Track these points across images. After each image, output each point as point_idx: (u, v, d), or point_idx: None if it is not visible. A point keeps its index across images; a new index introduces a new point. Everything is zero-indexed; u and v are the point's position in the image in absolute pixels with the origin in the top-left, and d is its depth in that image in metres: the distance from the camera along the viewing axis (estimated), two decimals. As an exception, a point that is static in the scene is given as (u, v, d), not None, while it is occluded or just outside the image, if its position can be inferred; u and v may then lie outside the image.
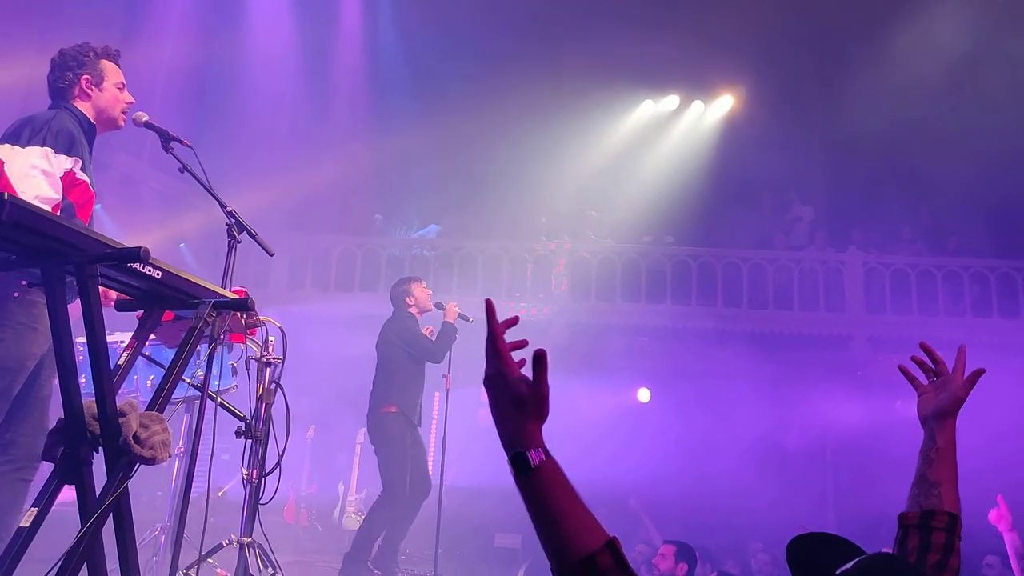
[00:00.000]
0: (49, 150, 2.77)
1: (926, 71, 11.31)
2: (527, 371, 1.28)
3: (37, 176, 2.72)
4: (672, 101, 13.72)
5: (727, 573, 5.80)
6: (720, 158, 12.80)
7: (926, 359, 1.84)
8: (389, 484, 5.13)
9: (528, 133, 12.17)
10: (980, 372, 1.73)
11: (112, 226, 8.26)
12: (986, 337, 10.30)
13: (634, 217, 11.84)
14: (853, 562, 1.26)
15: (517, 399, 1.23)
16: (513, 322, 1.35)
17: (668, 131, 13.62)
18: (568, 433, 10.61)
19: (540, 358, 1.23)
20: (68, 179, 2.84)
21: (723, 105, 13.70)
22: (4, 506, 2.71)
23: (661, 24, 11.97)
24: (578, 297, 11.12)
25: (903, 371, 1.82)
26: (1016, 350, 9.94)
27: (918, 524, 1.60)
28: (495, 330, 1.28)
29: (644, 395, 11.52)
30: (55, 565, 2.00)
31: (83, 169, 2.91)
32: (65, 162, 2.82)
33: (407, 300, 5.55)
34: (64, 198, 2.83)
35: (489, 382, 1.26)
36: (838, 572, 1.24)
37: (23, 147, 2.75)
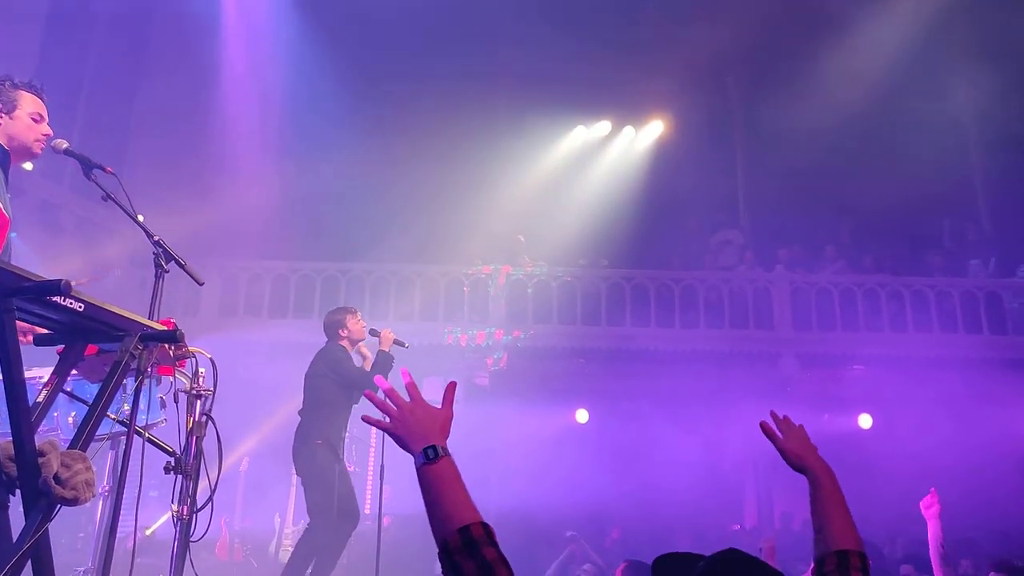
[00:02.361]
0: None
1: (845, 95, 11.81)
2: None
3: None
4: (604, 127, 13.98)
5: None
6: (651, 182, 13.08)
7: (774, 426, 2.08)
8: (315, 515, 5.04)
9: (463, 158, 12.22)
10: (763, 423, 2.05)
11: (30, 254, 7.94)
12: (904, 351, 10.73)
13: (569, 241, 11.97)
14: (701, 563, 1.46)
15: (433, 418, 1.64)
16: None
17: (600, 156, 13.86)
18: (508, 454, 10.63)
19: (450, 387, 1.72)
20: None
21: (653, 130, 14.02)
22: None
23: (593, 51, 12.23)
24: (515, 321, 11.15)
25: (763, 429, 2.07)
26: (932, 363, 10.40)
27: (834, 569, 1.73)
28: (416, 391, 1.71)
29: (582, 416, 11.60)
30: (-31, 616, 1.89)
31: None
32: None
33: (340, 332, 5.46)
34: (-23, 225, 2.72)
35: (402, 415, 1.65)
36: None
37: None
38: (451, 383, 1.73)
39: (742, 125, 13.93)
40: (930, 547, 4.58)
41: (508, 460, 10.42)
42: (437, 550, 1.49)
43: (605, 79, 12.75)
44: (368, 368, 5.39)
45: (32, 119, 3.03)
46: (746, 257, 12.38)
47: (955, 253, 12.38)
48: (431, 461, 1.55)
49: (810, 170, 12.75)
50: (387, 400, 1.68)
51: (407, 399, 1.67)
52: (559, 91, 12.81)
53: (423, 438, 1.59)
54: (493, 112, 13.30)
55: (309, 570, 5.02)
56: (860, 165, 12.23)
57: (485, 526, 1.46)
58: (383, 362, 5.32)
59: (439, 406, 1.69)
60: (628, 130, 14.01)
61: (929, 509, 4.52)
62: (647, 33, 12.53)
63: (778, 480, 11.12)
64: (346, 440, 5.61)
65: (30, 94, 3.05)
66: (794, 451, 1.95)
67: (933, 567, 4.58)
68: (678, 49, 12.39)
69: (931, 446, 9.90)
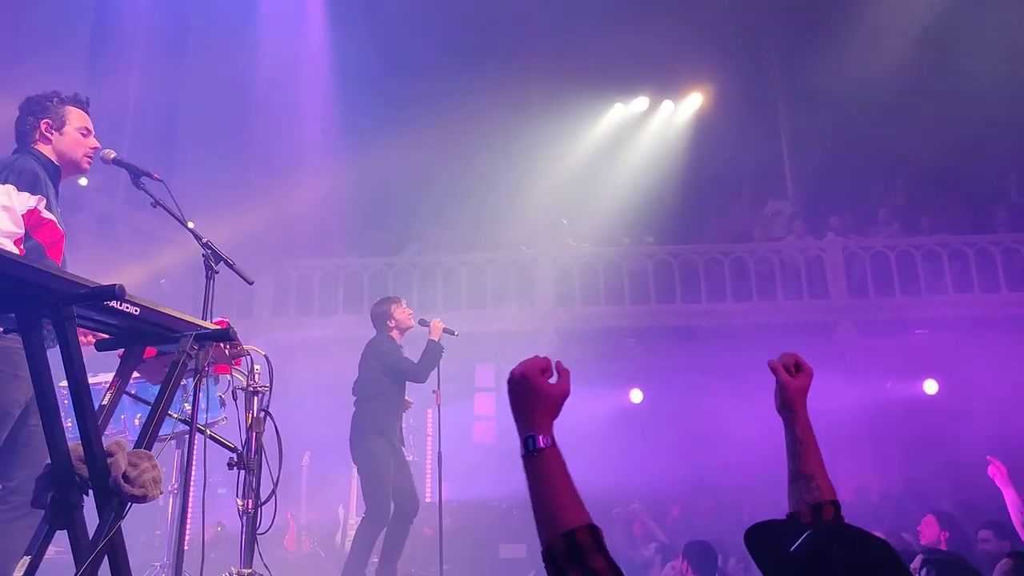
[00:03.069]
0: (11, 187, 2.76)
1: (893, 52, 11.43)
2: None
3: None
4: (642, 103, 13.82)
5: (726, 573, 5.76)
6: (693, 155, 12.90)
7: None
8: (372, 505, 5.10)
9: (500, 145, 12.21)
10: (786, 357, 1.83)
11: (90, 267, 8.17)
12: (969, 312, 10.41)
13: (613, 220, 11.88)
14: (804, 536, 1.36)
15: (538, 396, 1.43)
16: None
17: (640, 132, 13.72)
18: (563, 437, 10.62)
19: (563, 368, 1.48)
20: (33, 218, 2.82)
21: (692, 103, 13.81)
22: (8, 553, 2.67)
23: (626, 27, 12.07)
24: (563, 304, 11.13)
25: (771, 366, 1.87)
26: (999, 324, 10.06)
27: (812, 521, 1.65)
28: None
29: (636, 396, 11.54)
30: (52, 612, 1.97)
31: (48, 208, 2.89)
32: (28, 200, 2.80)
33: (388, 322, 5.50)
34: (32, 238, 2.81)
35: (515, 384, 1.45)
36: (792, 548, 1.34)
37: None
38: (560, 364, 1.50)
39: (784, 90, 13.61)
40: (1011, 513, 4.48)
41: (563, 443, 10.41)
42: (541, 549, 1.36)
43: (640, 55, 12.57)
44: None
45: (80, 134, 3.12)
46: (795, 227, 12.13)
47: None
48: (527, 453, 1.40)
49: (858, 132, 12.42)
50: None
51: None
52: (594, 70, 12.70)
53: (524, 423, 1.43)
54: (528, 96, 13.26)
55: (374, 559, 5.10)
56: (912, 121, 11.81)
57: (593, 530, 1.32)
58: (433, 352, 5.36)
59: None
60: (667, 104, 13.83)
61: (996, 477, 4.43)
62: (680, 5, 12.31)
63: (842, 451, 10.91)
64: (404, 430, 5.66)
65: (77, 109, 3.13)
66: (799, 390, 1.79)
67: (1018, 531, 4.47)
68: (713, 18, 12.16)
69: (1004, 410, 9.59)
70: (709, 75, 13.53)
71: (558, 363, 1.48)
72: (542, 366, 1.46)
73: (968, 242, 11.07)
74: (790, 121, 13.51)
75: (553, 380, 1.47)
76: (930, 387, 10.99)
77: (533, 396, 1.43)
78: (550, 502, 1.35)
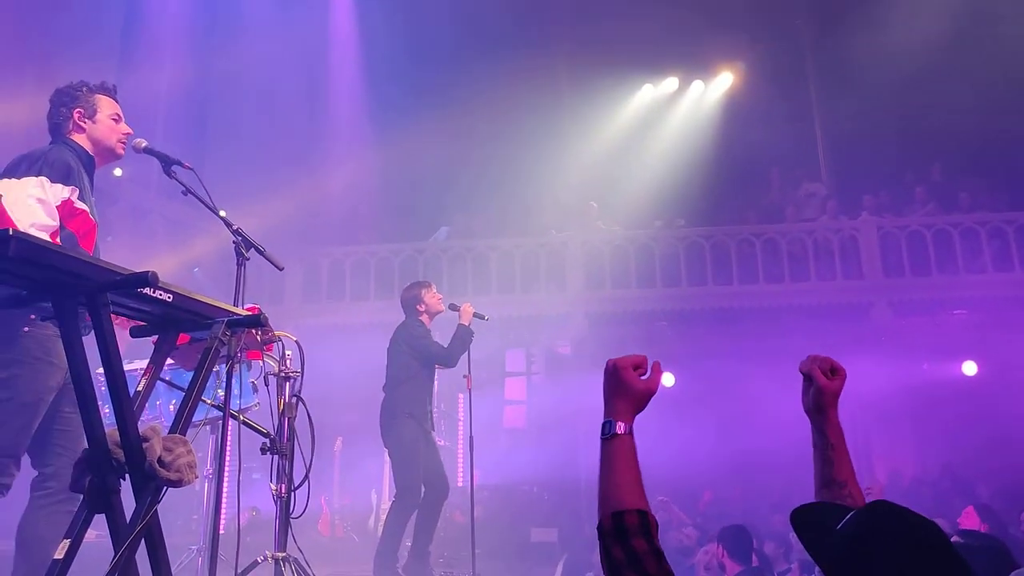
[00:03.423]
0: (44, 179, 2.80)
1: (930, 26, 11.15)
2: None
3: (33, 204, 2.74)
4: (671, 83, 13.67)
5: (762, 552, 5.72)
6: (724, 136, 12.74)
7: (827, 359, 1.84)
8: (403, 488, 5.14)
9: (528, 127, 12.15)
10: (822, 361, 1.78)
11: (125, 256, 8.29)
12: (1010, 291, 10.18)
13: (643, 202, 11.79)
14: (850, 515, 1.34)
15: (627, 389, 1.54)
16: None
17: (670, 113, 13.57)
18: (594, 421, 10.61)
19: (657, 364, 1.60)
20: (66, 208, 2.86)
21: (723, 83, 13.63)
22: (47, 538, 2.73)
23: (655, 5, 11.92)
24: (593, 287, 11.08)
25: (805, 368, 1.82)
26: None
27: None
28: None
29: (668, 379, 11.48)
30: (92, 594, 2.01)
31: (81, 198, 2.93)
32: (62, 191, 2.84)
33: (418, 307, 5.51)
34: (65, 228, 2.85)
35: (610, 373, 1.57)
36: (839, 527, 1.33)
37: (19, 179, 2.78)
38: (656, 362, 1.62)
39: (816, 68, 13.35)
40: None
41: (594, 427, 10.40)
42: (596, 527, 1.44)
43: (669, 34, 12.42)
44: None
45: (112, 120, 3.15)
46: (828, 207, 11.93)
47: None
48: (603, 436, 1.51)
49: (893, 108, 12.16)
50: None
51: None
52: (622, 50, 12.58)
53: (608, 409, 1.54)
54: (557, 79, 13.19)
55: (407, 542, 5.13)
56: (949, 97, 11.52)
57: (642, 515, 1.39)
58: (463, 336, 5.36)
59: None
60: (697, 85, 13.66)
61: None
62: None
63: (877, 435, 10.77)
64: (435, 414, 5.68)
65: (106, 96, 3.17)
66: (835, 394, 1.75)
67: None
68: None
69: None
70: (740, 53, 13.34)
71: (655, 363, 1.61)
72: (636, 362, 1.57)
73: (1008, 219, 10.81)
74: (823, 99, 13.26)
75: (645, 376, 1.57)
76: (969, 368, 10.78)
77: (620, 387, 1.54)
78: (611, 483, 1.45)
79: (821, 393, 1.75)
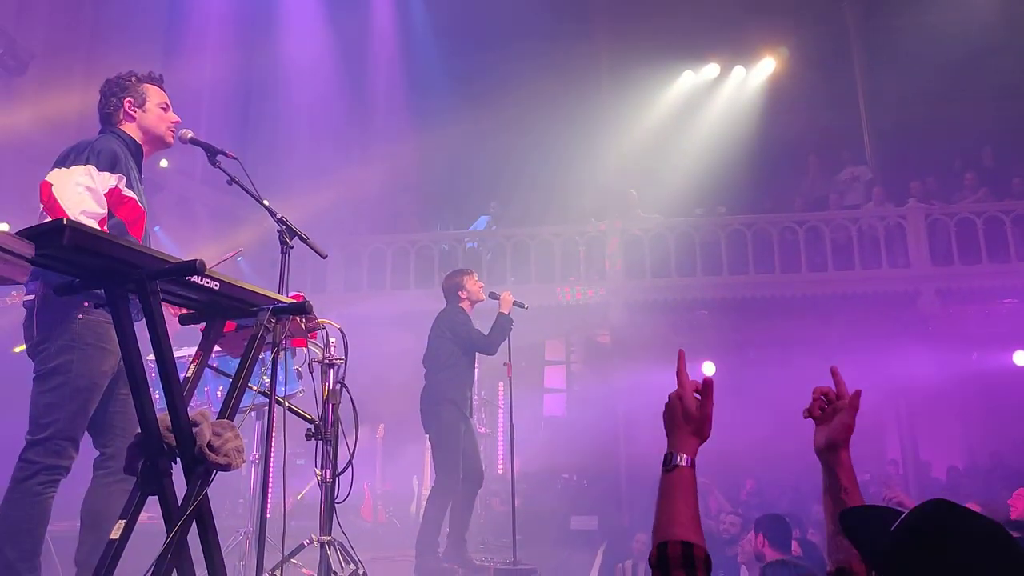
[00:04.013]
0: (92, 167, 2.86)
1: (977, 6, 10.83)
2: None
3: (82, 192, 2.81)
4: (712, 69, 13.49)
5: (807, 541, 5.66)
6: (766, 122, 12.55)
7: (830, 388, 1.80)
8: (442, 473, 5.19)
9: (568, 116, 12.11)
10: (858, 393, 1.71)
11: (172, 246, 8.48)
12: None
13: (684, 190, 11.67)
14: (906, 514, 1.31)
15: (687, 414, 1.56)
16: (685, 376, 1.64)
17: (711, 100, 13.40)
18: (633, 410, 10.60)
19: (707, 385, 1.58)
20: (114, 196, 2.92)
21: (765, 68, 13.40)
22: (108, 514, 2.81)
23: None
24: (633, 276, 11.01)
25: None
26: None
27: None
28: (681, 366, 1.62)
29: (709, 368, 11.38)
30: (148, 572, 2.06)
31: (129, 186, 2.98)
32: (109, 179, 2.90)
33: (459, 293, 5.54)
34: (114, 216, 2.91)
35: (669, 407, 1.59)
36: (894, 527, 1.30)
37: (68, 168, 2.85)
38: (707, 379, 1.60)
39: (861, 51, 13.02)
40: None
41: (634, 416, 10.38)
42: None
43: (710, 20, 12.26)
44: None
45: (161, 108, 3.20)
46: (874, 193, 11.67)
47: None
48: (664, 468, 1.53)
49: (942, 91, 11.83)
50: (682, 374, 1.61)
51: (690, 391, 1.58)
52: (662, 38, 12.45)
53: (669, 440, 1.56)
54: (596, 67, 13.10)
55: (444, 527, 5.18)
56: (1000, 78, 11.17)
57: (687, 547, 1.39)
58: (503, 324, 5.38)
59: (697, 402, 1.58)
60: (738, 70, 13.46)
61: None
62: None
63: (921, 425, 10.56)
64: (475, 401, 5.71)
65: (154, 86, 3.22)
66: (850, 428, 1.68)
67: None
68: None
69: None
70: (782, 38, 13.10)
71: (706, 380, 1.59)
72: (695, 388, 1.59)
73: (1063, 206, 10.47)
74: (868, 82, 12.94)
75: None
76: (1020, 358, 10.51)
77: (679, 418, 1.57)
78: (664, 513, 1.46)
79: (846, 428, 1.69)
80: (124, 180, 2.95)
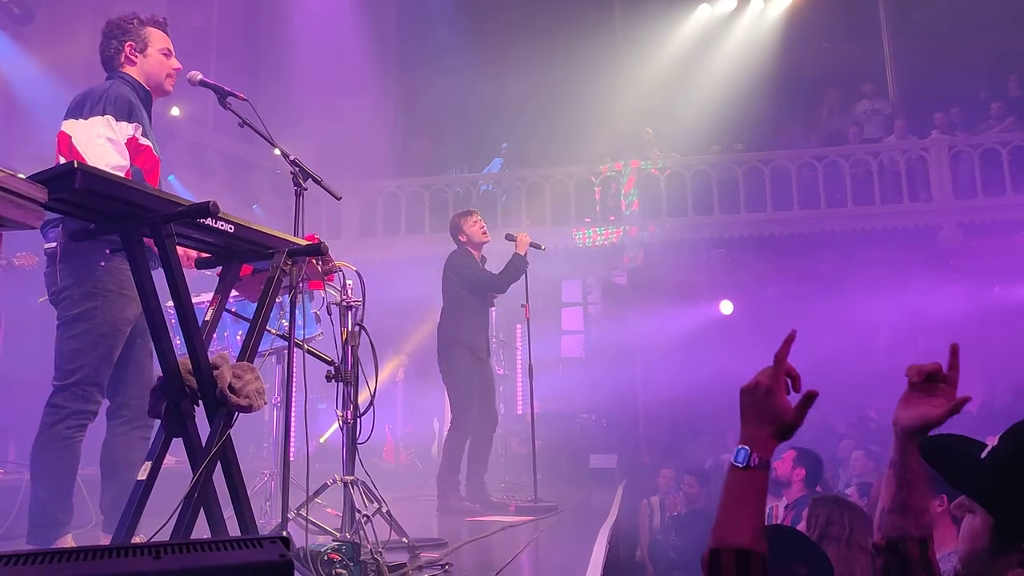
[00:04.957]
0: (110, 117, 2.82)
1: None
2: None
3: (104, 144, 2.78)
4: (729, 2, 13.08)
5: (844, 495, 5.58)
6: (784, 56, 12.22)
7: (942, 365, 1.59)
8: (457, 414, 5.26)
9: (581, 54, 11.84)
10: (965, 400, 1.50)
11: (186, 194, 8.45)
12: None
13: (700, 127, 11.45)
14: (999, 440, 1.28)
15: (776, 416, 1.37)
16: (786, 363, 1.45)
17: (727, 34, 13.02)
18: (651, 349, 10.63)
19: (810, 397, 1.36)
20: (132, 145, 2.89)
21: (783, -1, 13.00)
22: (127, 462, 2.87)
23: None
24: (649, 216, 10.92)
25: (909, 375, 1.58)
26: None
27: (919, 558, 1.49)
28: (782, 356, 1.44)
29: (726, 307, 11.36)
30: (175, 512, 2.10)
31: (144, 135, 2.96)
32: (127, 128, 2.87)
33: (459, 236, 5.54)
34: (132, 165, 2.89)
35: (753, 390, 1.41)
36: (983, 455, 1.27)
37: (85, 119, 2.81)
38: (811, 391, 1.38)
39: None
40: None
41: (651, 355, 10.41)
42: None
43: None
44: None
45: (162, 55, 3.13)
46: (896, 126, 11.41)
47: None
48: (735, 462, 1.37)
49: (967, 19, 11.46)
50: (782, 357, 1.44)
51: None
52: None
53: (747, 432, 1.38)
54: (610, 3, 12.78)
55: (463, 466, 5.25)
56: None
57: (742, 555, 1.29)
58: (517, 264, 5.36)
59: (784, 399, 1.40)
60: (755, 2, 13.04)
61: None
62: None
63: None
64: (493, 343, 5.72)
65: (157, 30, 3.15)
66: (938, 415, 1.48)
67: None
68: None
69: None
70: (802, -34, 12.66)
71: (809, 393, 1.38)
72: (789, 372, 1.42)
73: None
74: (891, 11, 12.54)
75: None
76: (1043, 291, 10.39)
77: (766, 413, 1.38)
78: (726, 514, 1.35)
79: (936, 421, 1.48)
80: (139, 128, 2.93)
